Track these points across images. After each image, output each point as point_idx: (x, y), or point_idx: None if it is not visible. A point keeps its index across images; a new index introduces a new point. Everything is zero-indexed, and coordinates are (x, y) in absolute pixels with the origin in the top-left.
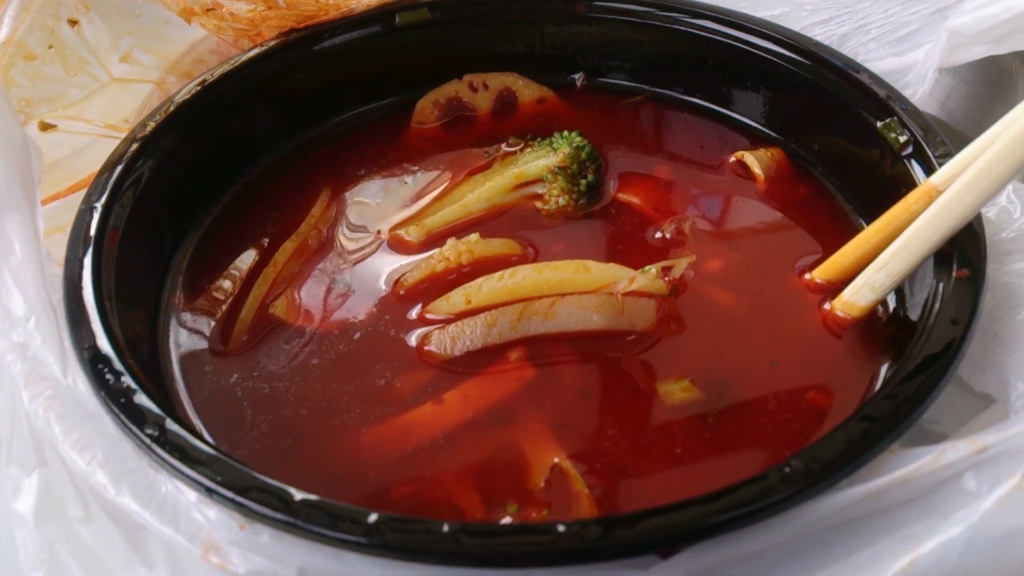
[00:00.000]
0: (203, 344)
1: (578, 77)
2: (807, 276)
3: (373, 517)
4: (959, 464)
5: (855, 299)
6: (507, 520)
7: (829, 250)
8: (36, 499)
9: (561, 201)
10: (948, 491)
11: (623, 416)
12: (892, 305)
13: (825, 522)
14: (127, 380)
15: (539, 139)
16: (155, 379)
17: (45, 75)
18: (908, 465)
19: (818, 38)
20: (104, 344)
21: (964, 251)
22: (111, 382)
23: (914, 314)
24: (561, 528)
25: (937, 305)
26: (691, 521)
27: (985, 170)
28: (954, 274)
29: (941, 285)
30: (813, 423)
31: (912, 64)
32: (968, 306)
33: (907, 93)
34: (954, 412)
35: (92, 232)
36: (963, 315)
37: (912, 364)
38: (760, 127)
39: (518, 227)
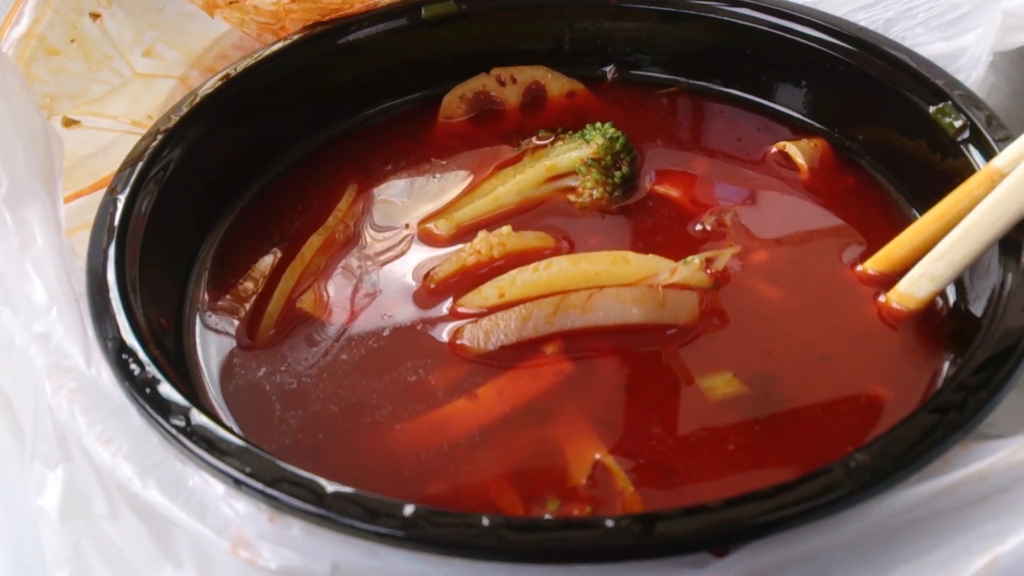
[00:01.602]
0: (230, 338)
1: (609, 70)
2: (859, 268)
3: (410, 509)
4: None
5: (912, 290)
6: (548, 518)
7: (880, 242)
8: (61, 495)
9: (595, 194)
10: None
11: (666, 412)
12: (952, 299)
13: (893, 520)
14: (152, 371)
15: (570, 132)
16: (181, 373)
17: (67, 70)
18: (983, 459)
19: (862, 23)
20: (128, 335)
21: None
22: (136, 373)
23: (977, 307)
24: (610, 523)
25: (1006, 293)
26: (750, 517)
27: None
28: (1023, 261)
29: (1009, 274)
30: (872, 419)
31: (963, 48)
32: None
33: (959, 79)
34: (1008, 414)
35: (116, 223)
36: None
37: (984, 354)
38: (802, 117)
39: (551, 221)
